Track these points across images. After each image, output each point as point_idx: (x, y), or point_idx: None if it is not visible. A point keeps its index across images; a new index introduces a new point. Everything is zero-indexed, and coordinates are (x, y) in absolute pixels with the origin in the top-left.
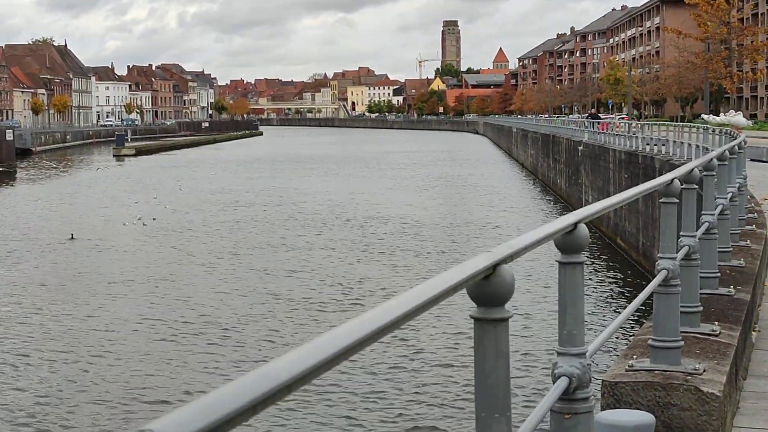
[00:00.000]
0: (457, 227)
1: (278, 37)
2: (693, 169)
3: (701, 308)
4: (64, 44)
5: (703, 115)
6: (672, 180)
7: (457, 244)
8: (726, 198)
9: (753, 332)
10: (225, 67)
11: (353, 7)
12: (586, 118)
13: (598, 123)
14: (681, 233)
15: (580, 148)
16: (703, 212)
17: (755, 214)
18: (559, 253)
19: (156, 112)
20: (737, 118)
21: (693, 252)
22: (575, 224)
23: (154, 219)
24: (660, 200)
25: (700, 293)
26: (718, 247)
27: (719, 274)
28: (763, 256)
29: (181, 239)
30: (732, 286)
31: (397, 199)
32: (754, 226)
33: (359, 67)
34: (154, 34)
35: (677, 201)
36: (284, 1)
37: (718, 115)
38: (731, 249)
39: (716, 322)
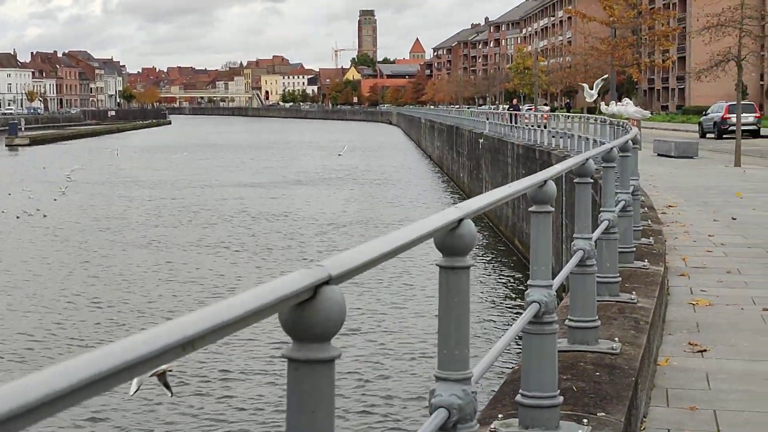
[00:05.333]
0: (342, 224)
1: (205, 25)
2: (546, 181)
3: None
4: None
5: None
6: (545, 181)
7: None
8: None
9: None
10: (148, 55)
11: None
12: (508, 109)
13: (517, 115)
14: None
15: (481, 140)
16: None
17: (651, 237)
18: (440, 255)
19: (61, 100)
20: (628, 108)
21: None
22: (459, 221)
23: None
24: (575, 180)
25: None
26: None
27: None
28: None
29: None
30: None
31: (294, 193)
32: (646, 261)
33: (273, 56)
34: (77, 22)
35: (591, 181)
36: None
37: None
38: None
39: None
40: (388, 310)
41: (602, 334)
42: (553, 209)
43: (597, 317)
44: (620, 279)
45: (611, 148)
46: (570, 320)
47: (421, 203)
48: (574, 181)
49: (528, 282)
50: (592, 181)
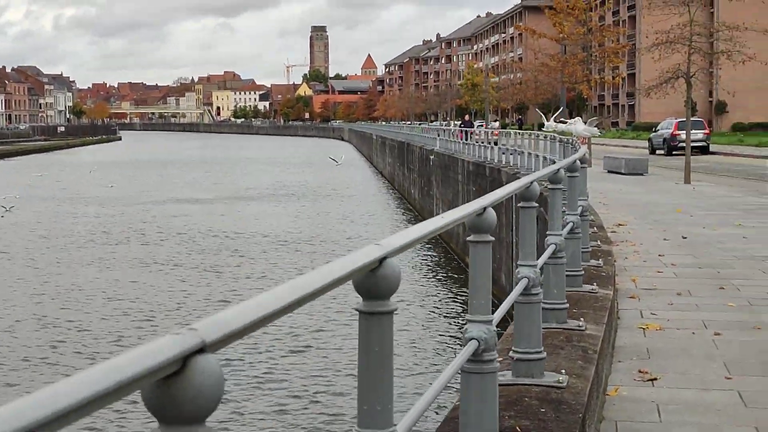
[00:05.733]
0: (291, 241)
1: (157, 41)
2: (485, 209)
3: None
4: None
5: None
6: (484, 209)
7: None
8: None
9: None
10: (99, 71)
11: (235, 12)
12: (460, 125)
13: (471, 131)
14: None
15: (432, 157)
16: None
17: (600, 258)
18: (361, 299)
19: (10, 116)
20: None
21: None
22: (381, 260)
23: None
24: (519, 205)
25: None
26: None
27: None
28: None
29: None
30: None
31: (244, 209)
32: (595, 285)
33: (225, 72)
34: (27, 37)
35: (536, 205)
36: (166, 5)
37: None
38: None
39: None
40: (296, 363)
41: (549, 365)
42: (492, 239)
43: (542, 348)
44: (567, 305)
45: (558, 169)
46: (514, 351)
47: (372, 219)
48: (518, 205)
49: (467, 317)
50: (536, 205)
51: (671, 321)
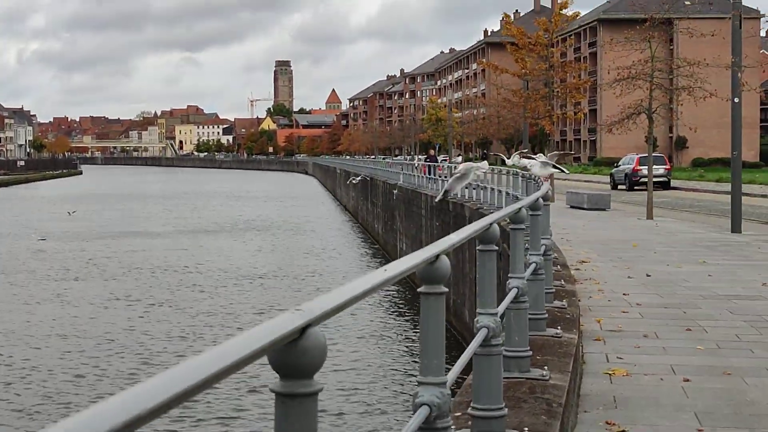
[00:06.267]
0: (253, 277)
1: (120, 75)
2: (437, 258)
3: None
4: None
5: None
6: (437, 257)
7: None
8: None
9: None
10: (61, 105)
11: (199, 47)
12: (425, 160)
13: (436, 166)
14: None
15: (395, 191)
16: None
17: (564, 299)
18: (277, 377)
19: None
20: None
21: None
22: (303, 330)
23: None
24: (477, 248)
25: None
26: None
27: None
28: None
29: None
30: None
31: (206, 243)
32: (559, 328)
33: (188, 106)
34: None
35: (497, 248)
36: (130, 40)
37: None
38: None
39: None
40: None
41: (511, 421)
42: (446, 290)
43: (503, 405)
44: (531, 352)
45: (520, 208)
46: (474, 408)
47: (335, 254)
48: (477, 248)
49: (417, 378)
50: (497, 248)
51: (638, 366)
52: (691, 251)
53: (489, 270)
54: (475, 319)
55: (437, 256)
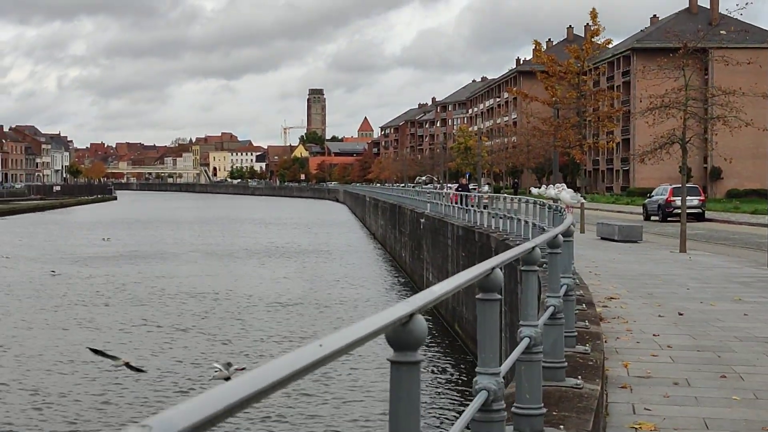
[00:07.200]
0: (283, 304)
1: (157, 101)
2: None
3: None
4: None
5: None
6: (492, 269)
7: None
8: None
9: None
10: (98, 130)
11: (235, 74)
12: (456, 189)
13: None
14: (520, 322)
15: (422, 220)
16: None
17: (588, 343)
18: (392, 350)
19: (6, 174)
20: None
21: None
22: (410, 315)
23: None
24: (521, 268)
25: None
26: None
27: None
28: None
29: None
30: None
31: (237, 270)
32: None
33: (222, 133)
34: (30, 97)
35: (538, 268)
36: (168, 67)
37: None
38: None
39: None
40: (331, 410)
41: None
42: (500, 297)
43: (542, 405)
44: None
45: (556, 234)
46: (516, 407)
47: (363, 282)
48: (521, 268)
49: (476, 369)
50: (539, 268)
51: (667, 419)
52: (726, 287)
53: (531, 287)
54: (518, 330)
55: (492, 269)
